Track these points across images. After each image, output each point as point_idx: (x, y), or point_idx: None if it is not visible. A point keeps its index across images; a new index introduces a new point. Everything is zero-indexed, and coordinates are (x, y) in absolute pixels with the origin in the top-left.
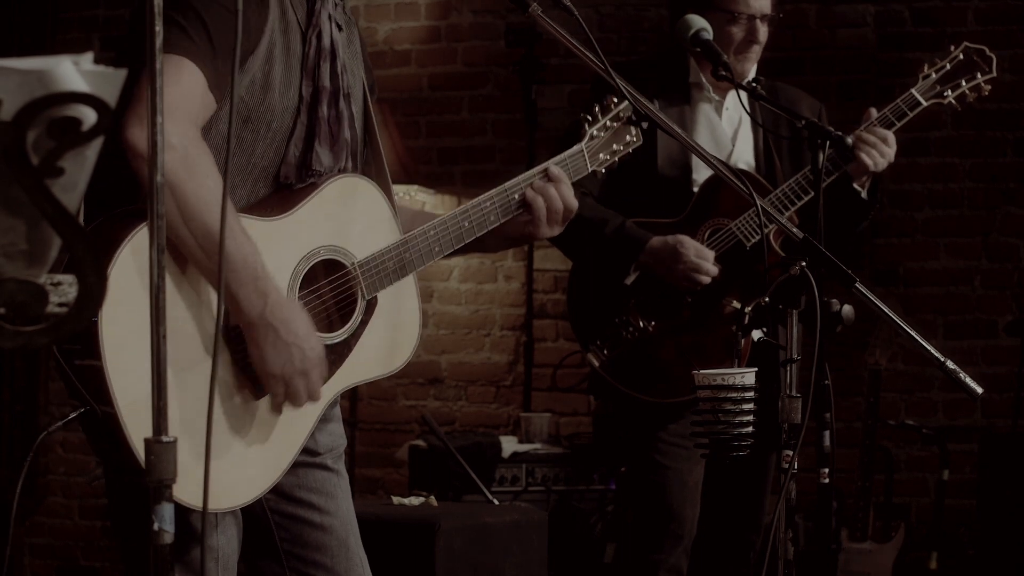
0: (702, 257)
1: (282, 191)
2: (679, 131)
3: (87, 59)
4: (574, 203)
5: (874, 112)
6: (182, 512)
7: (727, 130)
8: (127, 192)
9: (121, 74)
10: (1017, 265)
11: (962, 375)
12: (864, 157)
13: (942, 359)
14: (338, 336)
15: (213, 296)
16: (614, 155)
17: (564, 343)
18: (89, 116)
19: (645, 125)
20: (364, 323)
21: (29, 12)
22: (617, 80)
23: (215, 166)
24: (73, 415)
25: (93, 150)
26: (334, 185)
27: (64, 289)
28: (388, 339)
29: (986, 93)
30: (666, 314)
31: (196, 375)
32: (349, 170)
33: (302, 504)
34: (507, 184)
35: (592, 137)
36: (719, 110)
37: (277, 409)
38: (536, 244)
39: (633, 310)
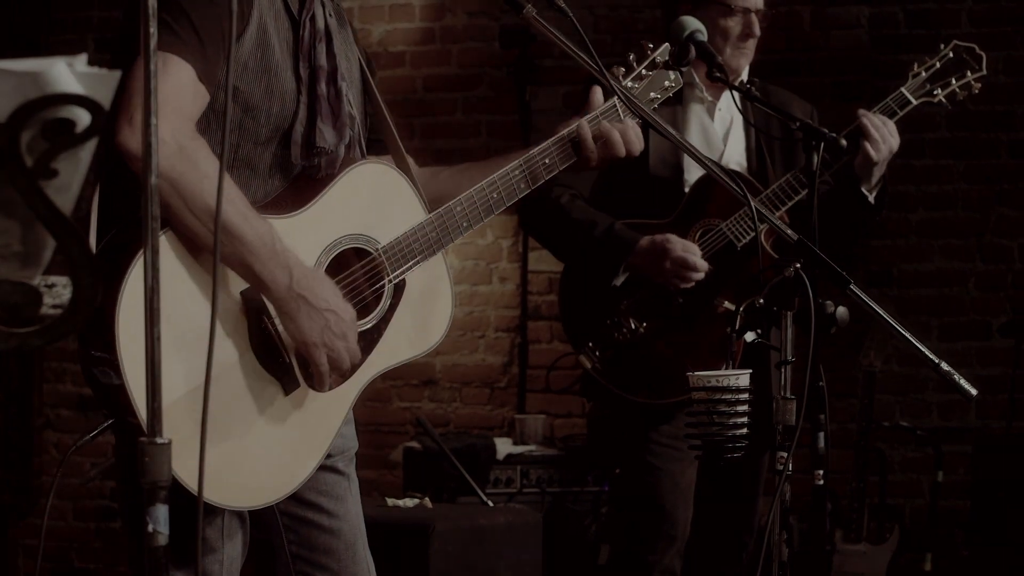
0: (689, 252)
1: (297, 184)
2: (671, 131)
3: (81, 61)
4: (639, 140)
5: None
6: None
7: (719, 131)
8: (135, 196)
9: (115, 75)
10: (1011, 266)
11: (956, 377)
12: (868, 146)
13: (936, 361)
14: (368, 322)
15: (237, 284)
16: (653, 103)
17: (558, 345)
18: (83, 117)
19: (685, 68)
20: (393, 307)
21: (23, 13)
22: (611, 81)
23: (212, 154)
24: (103, 427)
25: (87, 152)
26: (351, 174)
27: (58, 291)
28: (420, 320)
29: (976, 92)
30: (658, 315)
31: (227, 380)
32: (354, 146)
33: (312, 507)
34: (536, 150)
35: (637, 79)
36: (711, 111)
37: (321, 383)
38: (531, 246)
39: (625, 312)
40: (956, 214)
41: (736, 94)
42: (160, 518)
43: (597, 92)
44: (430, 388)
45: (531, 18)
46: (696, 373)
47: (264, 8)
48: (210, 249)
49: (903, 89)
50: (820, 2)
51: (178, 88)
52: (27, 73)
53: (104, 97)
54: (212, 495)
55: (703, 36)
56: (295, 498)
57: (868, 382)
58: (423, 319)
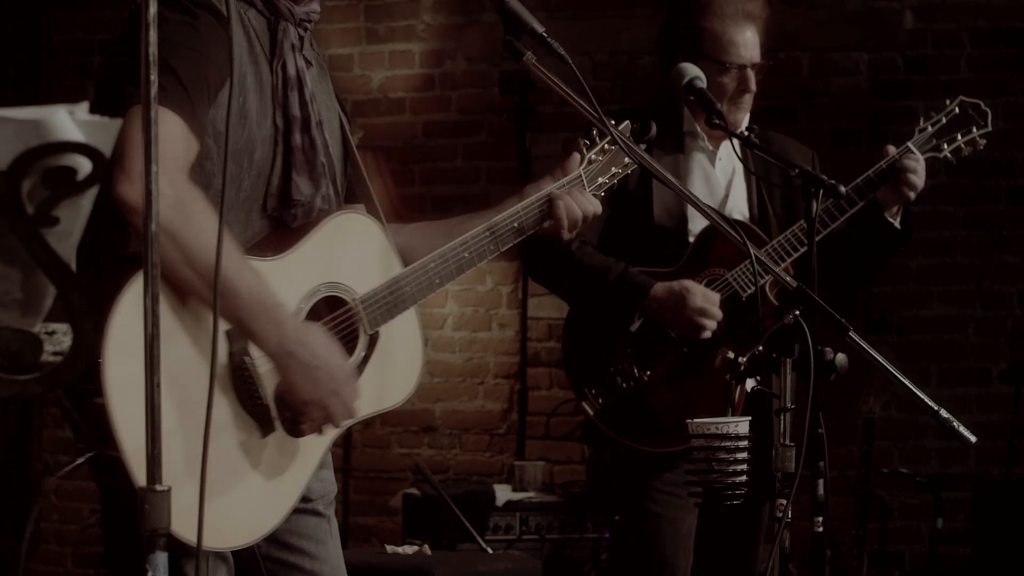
0: (709, 302)
1: (279, 231)
2: (673, 180)
3: (82, 109)
4: (594, 205)
5: (892, 149)
6: (176, 556)
7: (721, 179)
8: (116, 238)
9: (116, 123)
10: (1011, 313)
11: (955, 424)
12: (912, 178)
13: (935, 408)
14: (313, 430)
15: (222, 323)
16: (613, 178)
17: (558, 391)
18: (84, 165)
19: (645, 143)
20: (367, 358)
21: (23, 59)
22: (611, 128)
23: (209, 206)
24: (81, 459)
25: (88, 199)
26: (332, 223)
27: (59, 338)
28: (391, 373)
29: (981, 147)
30: (662, 364)
31: (201, 416)
32: (332, 197)
33: (294, 550)
34: (506, 213)
35: (590, 162)
36: (713, 159)
37: (304, 434)
38: (530, 292)
39: (629, 359)
40: (955, 260)
41: (736, 142)
42: (160, 565)
43: (575, 159)
44: (429, 435)
45: (531, 65)
46: (695, 420)
47: (243, 52)
48: (198, 298)
49: (909, 144)
50: (819, 48)
51: (171, 140)
52: (28, 121)
53: (105, 145)
54: (188, 534)
55: (702, 83)
56: (276, 541)
57: (867, 429)
58: (394, 372)
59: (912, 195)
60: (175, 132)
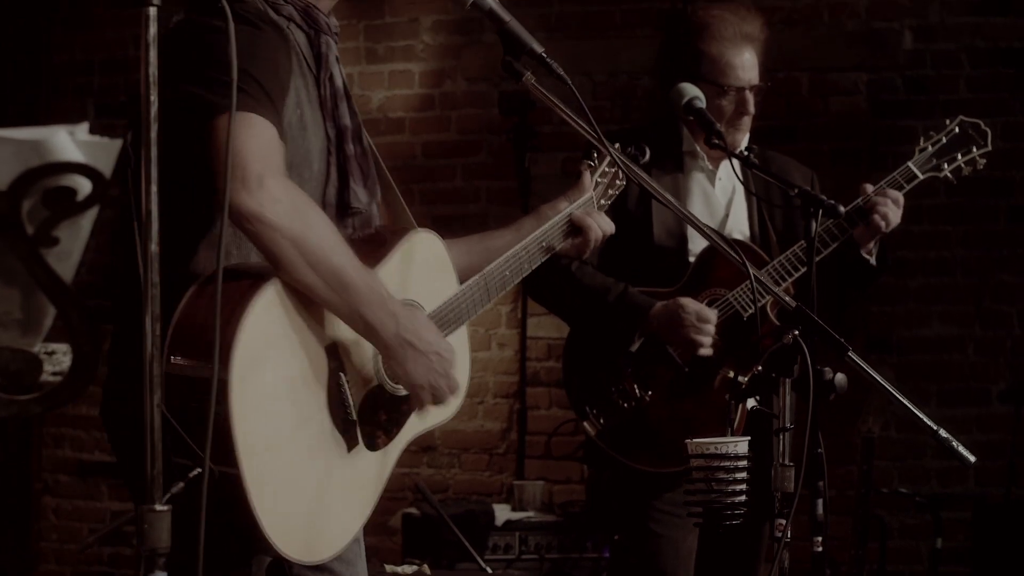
0: (703, 319)
1: (358, 244)
2: (673, 200)
3: (82, 129)
4: (609, 224)
5: (869, 187)
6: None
7: (721, 199)
8: (184, 253)
9: (116, 144)
10: (1010, 332)
11: (954, 444)
12: (877, 218)
13: (935, 428)
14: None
15: (323, 338)
16: (610, 198)
17: (557, 411)
18: (84, 186)
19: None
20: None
21: (23, 79)
22: (610, 149)
23: (316, 206)
24: (182, 482)
25: (88, 219)
26: (412, 241)
27: (58, 358)
28: None
29: (981, 167)
30: (662, 384)
31: (303, 433)
32: (378, 205)
33: (324, 571)
34: (535, 234)
35: (597, 184)
36: (712, 179)
37: (420, 408)
38: (529, 312)
39: (630, 379)
40: (955, 280)
41: (736, 162)
42: None
43: (587, 179)
44: (429, 454)
45: (530, 85)
46: (695, 440)
47: (295, 66)
48: (324, 301)
49: (910, 164)
50: (819, 68)
51: (271, 146)
52: (29, 141)
53: (105, 165)
54: (285, 549)
55: (701, 103)
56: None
57: (867, 449)
58: None
59: (885, 229)
60: (272, 137)
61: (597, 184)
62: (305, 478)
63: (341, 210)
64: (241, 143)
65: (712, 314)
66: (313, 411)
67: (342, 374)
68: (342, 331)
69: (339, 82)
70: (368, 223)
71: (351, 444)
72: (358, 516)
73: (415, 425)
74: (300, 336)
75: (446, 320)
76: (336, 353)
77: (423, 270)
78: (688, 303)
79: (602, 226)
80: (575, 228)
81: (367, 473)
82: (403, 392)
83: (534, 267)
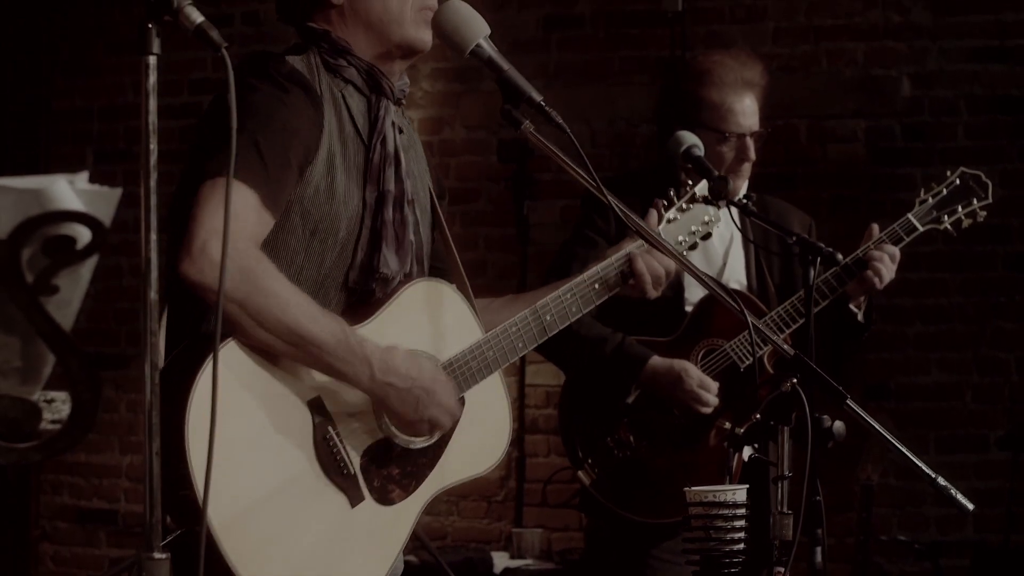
0: (705, 388)
1: (355, 303)
2: (671, 247)
3: (82, 178)
4: (672, 265)
5: (876, 228)
6: None
7: (719, 247)
8: (197, 314)
9: (115, 193)
10: (1008, 379)
11: (953, 491)
12: (870, 274)
13: (933, 475)
14: (431, 439)
15: (304, 393)
16: (694, 236)
17: (556, 458)
18: (84, 235)
19: (722, 204)
20: (455, 424)
21: (22, 126)
22: (608, 197)
23: (277, 271)
24: (170, 538)
25: (88, 268)
26: (408, 292)
27: (57, 406)
28: (478, 438)
29: (982, 219)
30: (659, 434)
31: (293, 489)
32: (415, 274)
33: None
34: (586, 274)
35: (668, 221)
36: None
37: (432, 447)
38: (528, 359)
39: (626, 429)
40: (953, 327)
41: (735, 209)
42: None
43: (653, 218)
44: None
45: (528, 133)
46: (693, 488)
47: (333, 131)
48: (283, 354)
49: (910, 216)
50: (817, 115)
51: (242, 212)
52: (28, 190)
53: (104, 214)
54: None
55: (700, 151)
56: None
57: (866, 496)
58: (483, 436)
59: (879, 285)
60: (248, 205)
61: (669, 221)
62: (295, 536)
63: (367, 274)
64: (199, 209)
65: (714, 385)
66: (296, 468)
67: (330, 427)
68: (325, 386)
69: (391, 147)
70: (387, 288)
71: (355, 499)
72: (375, 568)
73: (443, 477)
74: (267, 391)
75: (468, 369)
76: (322, 408)
77: (428, 319)
78: (692, 369)
79: (665, 264)
80: (626, 274)
81: (381, 528)
82: (419, 444)
83: (586, 310)
